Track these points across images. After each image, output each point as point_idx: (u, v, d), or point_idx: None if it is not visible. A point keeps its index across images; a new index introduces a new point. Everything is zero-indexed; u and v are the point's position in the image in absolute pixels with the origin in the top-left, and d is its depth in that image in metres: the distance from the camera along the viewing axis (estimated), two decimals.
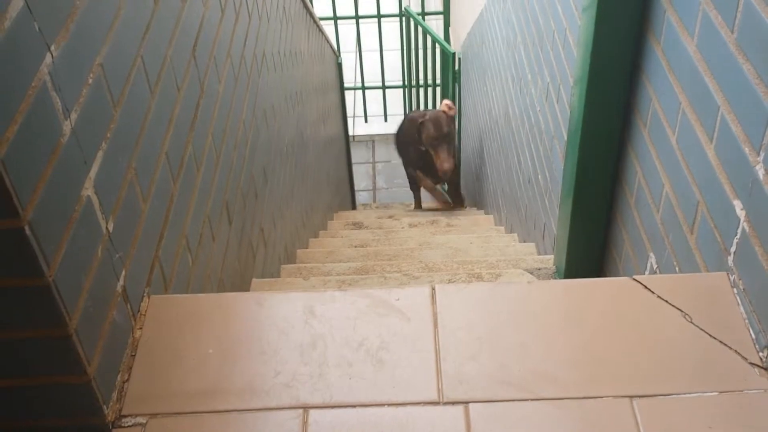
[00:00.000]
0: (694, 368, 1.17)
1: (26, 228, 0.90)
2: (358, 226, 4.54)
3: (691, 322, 1.23)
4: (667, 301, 1.27)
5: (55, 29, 0.98)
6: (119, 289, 1.17)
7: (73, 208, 1.02)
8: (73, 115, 1.03)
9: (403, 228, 4.35)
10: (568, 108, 2.35)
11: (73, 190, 1.02)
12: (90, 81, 1.09)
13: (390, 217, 4.78)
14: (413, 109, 6.87)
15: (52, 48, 0.97)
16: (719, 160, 1.33)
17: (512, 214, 3.71)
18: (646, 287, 1.29)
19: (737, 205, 1.26)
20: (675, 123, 1.53)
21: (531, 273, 2.27)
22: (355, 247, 3.52)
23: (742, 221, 1.24)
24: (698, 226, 1.43)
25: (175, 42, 1.52)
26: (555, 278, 2.25)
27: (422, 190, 5.38)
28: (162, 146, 1.42)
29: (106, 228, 1.13)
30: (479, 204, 5.25)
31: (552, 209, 2.65)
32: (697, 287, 1.30)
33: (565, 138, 2.33)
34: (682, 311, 1.25)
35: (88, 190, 1.06)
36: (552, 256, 2.45)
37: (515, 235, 3.59)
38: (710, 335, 1.21)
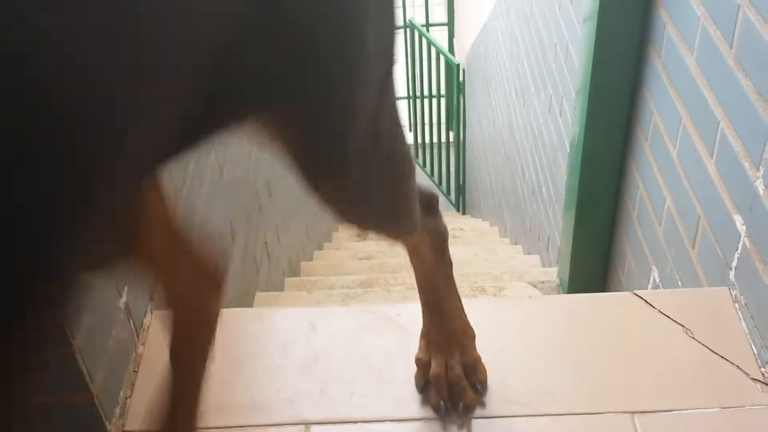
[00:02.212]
0: (695, 384, 1.17)
1: None
2: (363, 237, 4.54)
3: (693, 338, 1.23)
4: (668, 317, 1.27)
5: None
6: (122, 305, 1.18)
7: None
8: None
9: None
10: (570, 120, 2.36)
11: None
12: None
13: None
14: (417, 120, 6.90)
15: None
16: (719, 174, 1.34)
17: (517, 226, 3.72)
18: (647, 302, 1.29)
19: (738, 220, 1.26)
20: (676, 137, 1.54)
21: (535, 286, 2.27)
22: (360, 259, 3.53)
23: (742, 236, 1.24)
24: (699, 240, 1.43)
25: None
26: (559, 291, 2.25)
27: None
28: None
29: None
30: (484, 215, 5.25)
31: (556, 221, 2.65)
32: (698, 302, 1.30)
33: (569, 150, 2.34)
34: (683, 326, 1.25)
35: None
36: (556, 269, 2.45)
37: (520, 246, 3.59)
38: (712, 350, 1.21)
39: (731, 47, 1.28)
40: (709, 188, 1.37)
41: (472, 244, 4.02)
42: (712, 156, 1.36)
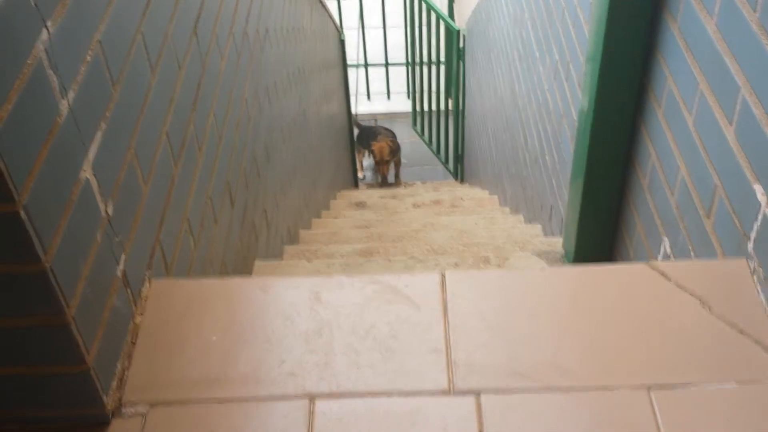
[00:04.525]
0: (712, 358, 1.13)
1: (21, 212, 0.86)
2: (361, 206, 4.50)
3: (710, 311, 1.19)
4: (684, 289, 1.23)
5: (51, 4, 0.94)
6: (119, 273, 1.13)
7: (70, 191, 0.98)
8: (71, 94, 0.98)
9: (406, 209, 4.31)
10: (577, 87, 2.31)
11: (70, 172, 0.98)
12: (88, 58, 1.04)
13: (393, 197, 4.74)
14: (415, 87, 6.82)
15: (49, 24, 0.93)
16: (739, 143, 1.29)
17: (517, 195, 3.67)
18: (662, 274, 1.25)
19: (758, 189, 1.22)
20: (692, 104, 1.49)
21: (539, 256, 2.23)
22: (359, 228, 3.49)
23: (763, 206, 1.20)
24: (715, 210, 1.39)
25: (176, 18, 1.47)
26: (563, 261, 2.21)
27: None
28: (163, 126, 1.38)
29: (106, 211, 1.09)
30: (484, 184, 5.20)
31: (560, 190, 2.60)
32: (715, 274, 1.26)
33: (574, 117, 2.29)
34: (700, 299, 1.21)
35: (86, 172, 1.02)
36: (560, 239, 2.41)
37: (521, 216, 3.55)
38: (729, 324, 1.17)
39: (755, 10, 1.22)
40: (728, 157, 1.32)
41: (471, 213, 3.98)
42: (731, 123, 1.31)
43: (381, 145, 6.11)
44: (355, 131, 6.65)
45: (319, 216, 3.93)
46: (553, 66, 2.70)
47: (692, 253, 1.50)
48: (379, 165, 6.12)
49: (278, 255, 2.68)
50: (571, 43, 2.42)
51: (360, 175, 6.72)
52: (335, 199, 4.75)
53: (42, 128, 0.91)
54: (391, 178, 6.36)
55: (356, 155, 6.67)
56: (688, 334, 1.17)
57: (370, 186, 6.44)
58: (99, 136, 1.07)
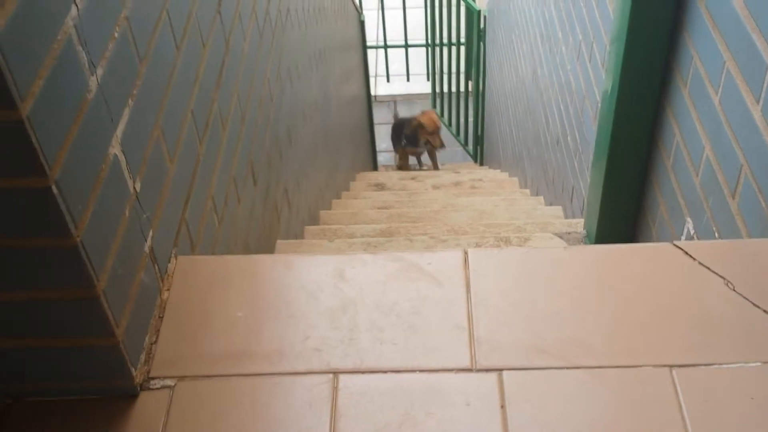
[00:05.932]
0: (736, 337, 1.13)
1: (53, 187, 0.87)
2: (380, 187, 4.50)
3: (734, 290, 1.19)
4: (708, 268, 1.22)
5: None
6: (147, 249, 1.15)
7: (100, 167, 0.99)
8: (99, 71, 0.99)
9: (426, 190, 4.32)
10: (601, 67, 2.29)
11: (100, 148, 0.99)
12: (116, 35, 1.05)
13: (413, 178, 4.74)
14: (435, 69, 6.79)
15: (77, 0, 0.94)
16: (766, 121, 1.28)
17: (538, 177, 3.66)
18: (686, 253, 1.25)
19: None
20: (718, 82, 1.47)
21: (560, 237, 2.23)
22: (379, 208, 3.49)
23: None
24: (741, 190, 1.38)
25: None
26: (585, 243, 2.21)
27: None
28: (188, 104, 1.39)
29: (134, 187, 1.10)
30: (503, 166, 5.19)
31: (581, 171, 2.59)
32: (740, 254, 1.25)
33: (598, 98, 2.27)
34: (724, 278, 1.21)
35: (115, 149, 1.03)
36: (581, 220, 2.40)
37: (541, 197, 3.54)
38: (753, 304, 1.17)
39: None
40: (755, 135, 1.31)
41: (491, 194, 3.98)
42: (758, 102, 1.30)
43: (428, 116, 5.79)
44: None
45: (338, 197, 3.94)
46: (576, 46, 2.68)
47: (716, 235, 1.50)
48: (432, 136, 5.69)
49: (299, 235, 2.69)
50: (594, 22, 2.40)
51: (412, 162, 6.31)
52: (355, 181, 4.76)
53: (72, 104, 0.92)
54: (411, 161, 6.34)
55: (404, 155, 6.21)
56: (711, 313, 1.16)
57: (389, 168, 6.44)
58: (127, 112, 1.08)
